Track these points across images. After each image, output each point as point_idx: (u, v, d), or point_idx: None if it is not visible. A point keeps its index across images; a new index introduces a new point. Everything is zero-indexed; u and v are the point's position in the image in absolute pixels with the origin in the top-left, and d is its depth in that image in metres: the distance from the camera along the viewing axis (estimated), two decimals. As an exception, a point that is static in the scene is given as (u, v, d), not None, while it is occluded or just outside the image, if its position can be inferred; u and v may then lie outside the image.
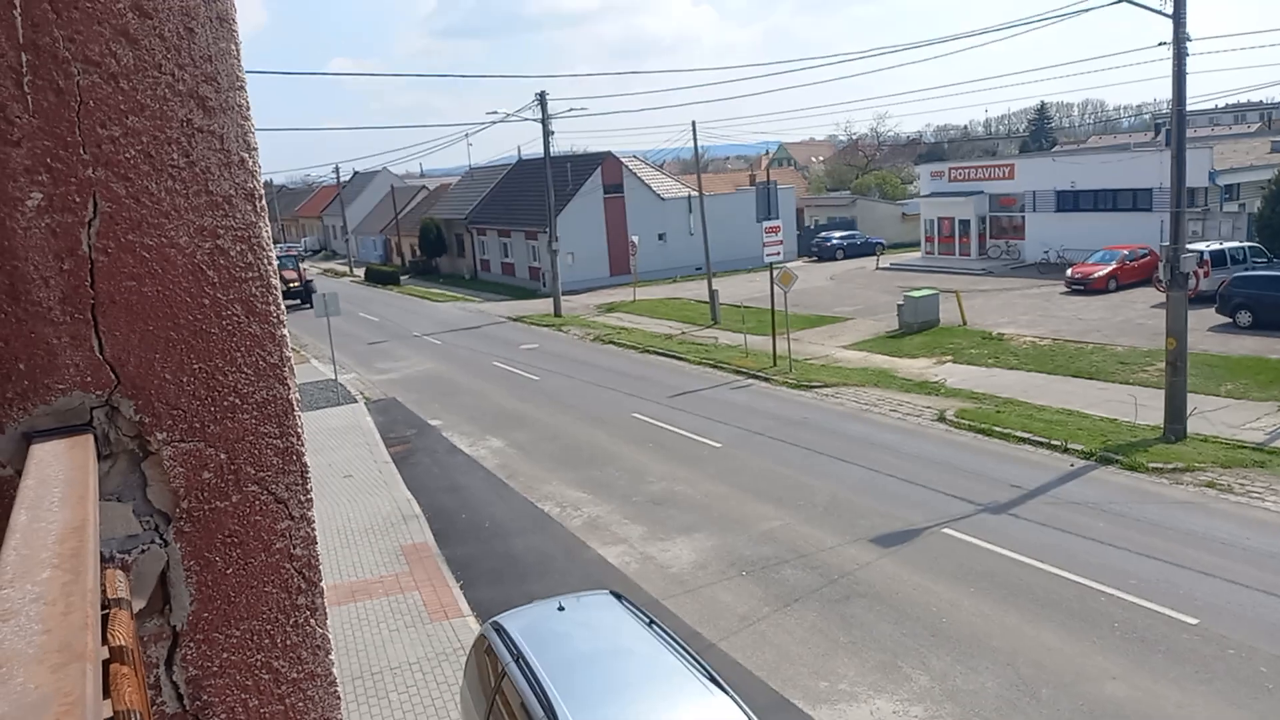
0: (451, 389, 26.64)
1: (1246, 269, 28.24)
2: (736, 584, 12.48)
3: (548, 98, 38.49)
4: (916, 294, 30.50)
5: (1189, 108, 17.26)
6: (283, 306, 1.19)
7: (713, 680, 6.86)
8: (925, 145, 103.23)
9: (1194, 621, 10.47)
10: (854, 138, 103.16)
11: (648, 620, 7.81)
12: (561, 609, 8.15)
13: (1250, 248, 30.66)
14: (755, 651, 10.64)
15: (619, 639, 7.67)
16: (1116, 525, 13.38)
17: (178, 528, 1.15)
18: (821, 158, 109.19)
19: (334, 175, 75.16)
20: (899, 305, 30.43)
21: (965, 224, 46.60)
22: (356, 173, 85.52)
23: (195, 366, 1.14)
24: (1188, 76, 16.61)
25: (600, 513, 15.62)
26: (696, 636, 10.91)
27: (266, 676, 1.21)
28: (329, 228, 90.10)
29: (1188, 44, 16.41)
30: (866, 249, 54.13)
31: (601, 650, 7.59)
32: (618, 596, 8.40)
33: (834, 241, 54.97)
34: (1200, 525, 13.16)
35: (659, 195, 51.97)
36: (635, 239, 44.79)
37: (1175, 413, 17.05)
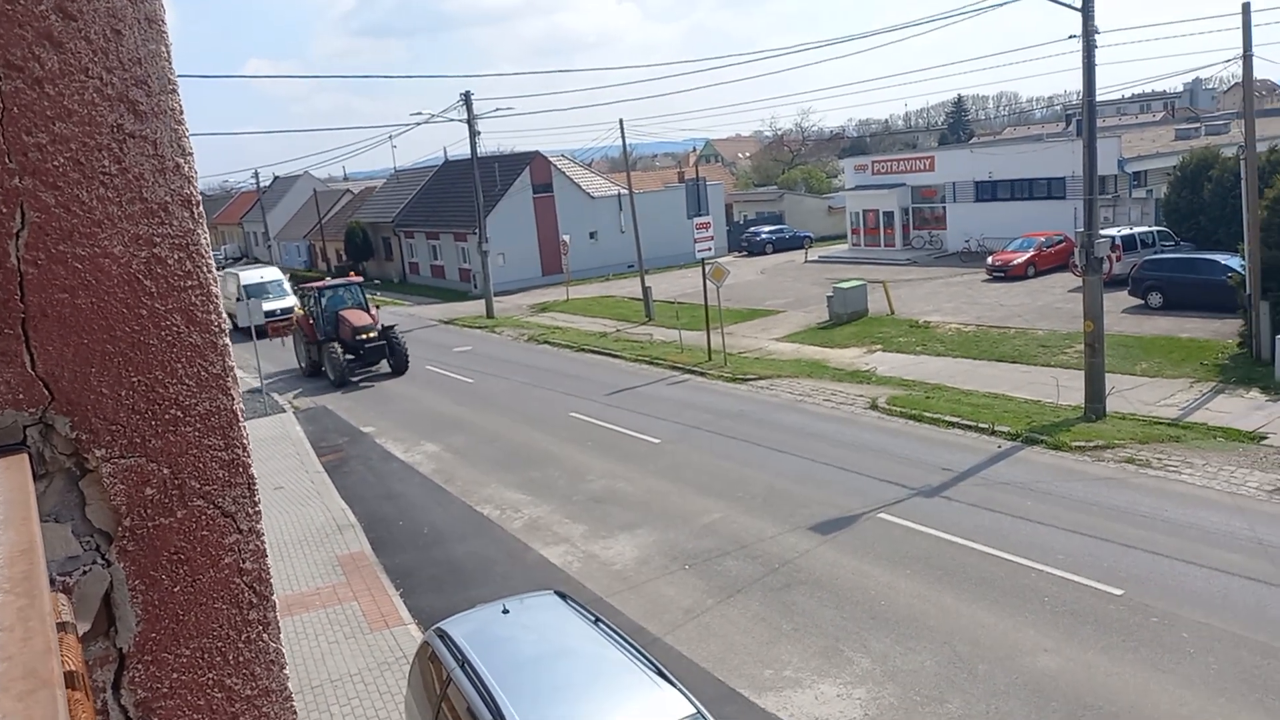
0: (384, 395, 26.20)
1: (1156, 252, 29.46)
2: (679, 578, 12.55)
3: (473, 97, 38.13)
4: (845, 285, 31.06)
5: (1098, 98, 17.90)
6: (224, 314, 1.16)
7: (660, 674, 6.90)
8: (848, 139, 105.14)
9: (1119, 592, 10.88)
10: (779, 133, 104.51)
11: (593, 618, 7.81)
12: (506, 612, 8.09)
13: (1159, 232, 31.98)
14: (700, 643, 10.72)
15: (565, 638, 7.65)
16: (1044, 503, 13.83)
17: (120, 547, 1.12)
18: (748, 154, 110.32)
19: (254, 181, 73.24)
20: (829, 297, 30.94)
21: (889, 215, 47.62)
22: (277, 177, 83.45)
23: (134, 379, 1.10)
24: (1096, 68, 17.24)
25: (541, 514, 15.55)
26: (642, 631, 10.94)
27: (219, 695, 1.18)
28: (250, 234, 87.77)
29: (1096, 36, 17.02)
30: (795, 242, 54.91)
31: (548, 651, 7.56)
32: (562, 596, 8.38)
33: (763, 236, 55.61)
34: (1122, 500, 13.68)
35: (589, 194, 51.89)
36: (566, 238, 44.67)
37: (1095, 392, 17.69)
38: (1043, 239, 36.09)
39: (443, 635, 7.75)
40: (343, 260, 62.71)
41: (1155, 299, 26.94)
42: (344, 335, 27.41)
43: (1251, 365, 19.63)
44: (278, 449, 20.76)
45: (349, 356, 27.22)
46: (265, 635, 1.24)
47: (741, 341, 28.41)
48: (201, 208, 1.14)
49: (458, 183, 52.67)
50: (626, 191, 41.78)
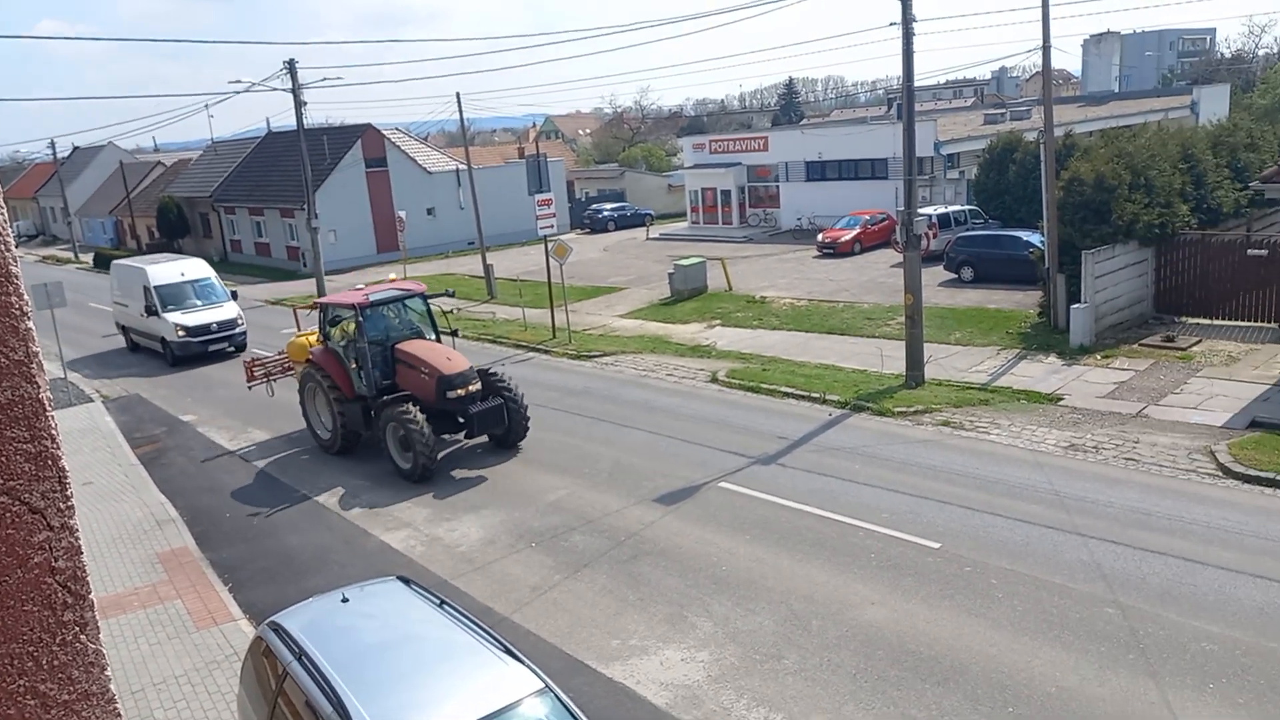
0: (205, 382, 24.70)
1: (968, 230, 31.65)
2: (526, 556, 12.56)
3: (299, 66, 36.20)
4: (685, 262, 31.70)
5: (916, 84, 18.95)
6: (25, 296, 1.08)
7: (507, 652, 6.90)
8: (686, 118, 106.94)
9: (937, 545, 11.73)
10: (619, 111, 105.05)
11: (438, 601, 7.71)
12: (345, 601, 7.86)
13: (970, 210, 34.34)
14: (548, 619, 10.79)
15: (409, 624, 7.51)
16: (870, 466, 14.69)
17: (-90, 551, 1.02)
18: (588, 130, 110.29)
19: (50, 151, 66.78)
20: (670, 274, 31.51)
21: (727, 194, 48.85)
22: (77, 148, 76.53)
23: (-81, 368, 1.01)
24: (915, 55, 18.24)
25: (381, 499, 15.15)
26: (489, 612, 10.90)
27: (33, 702, 1.11)
28: (46, 210, 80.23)
29: (914, 25, 17.99)
30: (637, 220, 55.54)
31: (391, 637, 7.40)
32: (405, 581, 8.21)
33: (605, 213, 55.94)
34: (939, 460, 14.71)
35: (425, 169, 50.49)
36: (402, 214, 43.29)
37: (914, 361, 18.89)
38: (868, 217, 38.03)
39: (277, 628, 7.44)
40: (155, 238, 58.46)
41: (967, 273, 28.97)
42: (415, 389, 15.99)
43: (1050, 333, 21.48)
44: (85, 441, 19.21)
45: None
46: (83, 636, 1.17)
47: (585, 318, 28.52)
48: (-4, 181, 1.02)
49: (283, 155, 50.04)
50: (465, 167, 40.87)
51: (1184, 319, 21.80)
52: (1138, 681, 8.65)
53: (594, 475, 15.32)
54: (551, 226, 26.51)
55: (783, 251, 39.52)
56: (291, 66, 36.21)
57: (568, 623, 10.68)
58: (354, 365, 16.84)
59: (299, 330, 20.56)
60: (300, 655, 6.92)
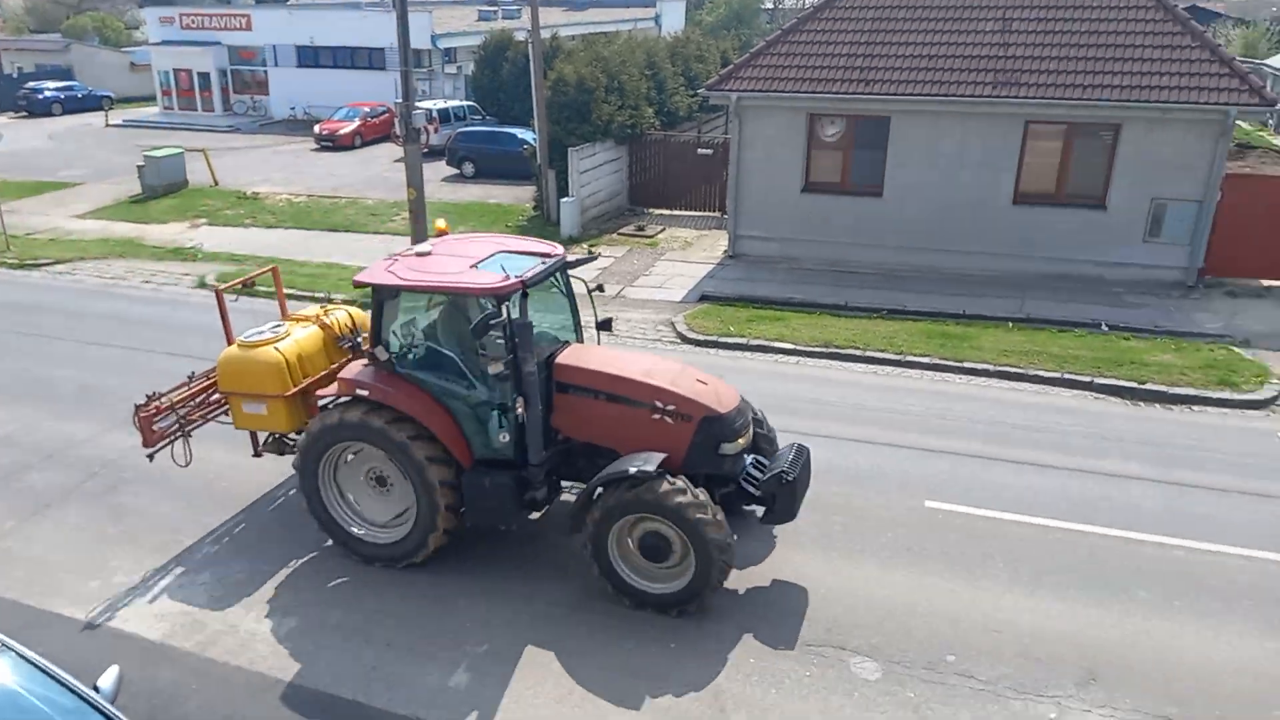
0: None
1: (468, 126, 32.19)
2: (-34, 505, 10.38)
3: None
4: (159, 153, 27.95)
5: (402, -31, 18.34)
6: None
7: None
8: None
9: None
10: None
11: None
12: None
13: (469, 106, 34.92)
14: (3, 573, 9.10)
15: None
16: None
17: None
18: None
19: None
20: (140, 167, 27.56)
21: (206, 77, 43.79)
22: None
23: None
24: (398, -63, 17.55)
25: None
26: (-86, 579, 8.86)
27: None
28: None
29: (394, -96, 17.26)
30: (91, 102, 47.52)
31: None
32: None
33: (48, 94, 46.98)
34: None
35: None
36: None
37: (419, 256, 18.92)
38: (367, 109, 36.79)
39: None
40: None
41: (469, 168, 29.64)
42: (638, 443, 8.43)
43: (545, 225, 22.95)
44: None
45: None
46: None
47: (29, 220, 23.86)
48: None
49: None
50: None
51: (652, 210, 24.76)
52: (620, 524, 9.88)
53: (54, 402, 13.10)
54: (-32, 104, 21.36)
55: (276, 143, 36.74)
56: None
57: (30, 572, 9.11)
58: (517, 406, 8.26)
59: (229, 335, 10.87)
60: None
